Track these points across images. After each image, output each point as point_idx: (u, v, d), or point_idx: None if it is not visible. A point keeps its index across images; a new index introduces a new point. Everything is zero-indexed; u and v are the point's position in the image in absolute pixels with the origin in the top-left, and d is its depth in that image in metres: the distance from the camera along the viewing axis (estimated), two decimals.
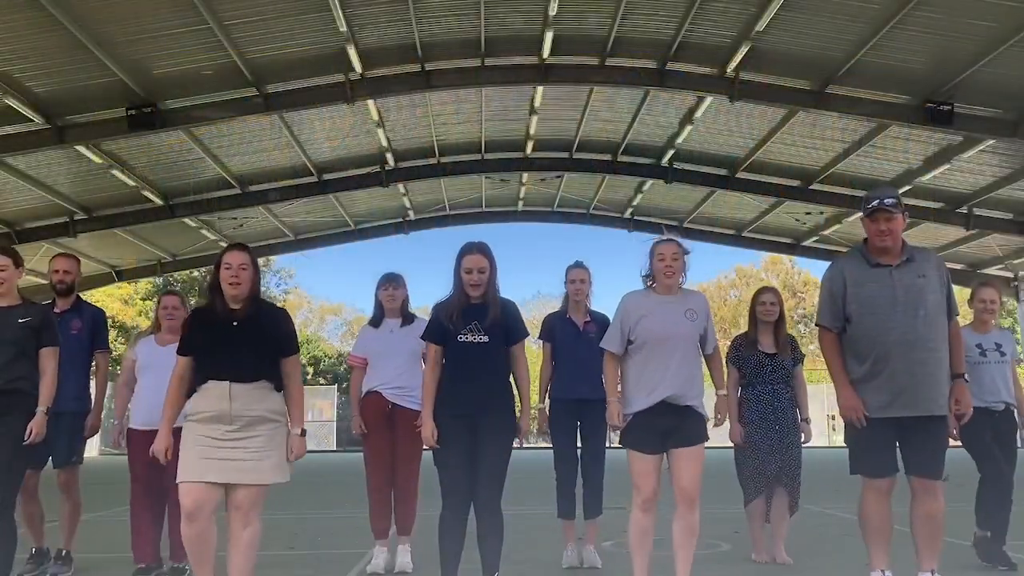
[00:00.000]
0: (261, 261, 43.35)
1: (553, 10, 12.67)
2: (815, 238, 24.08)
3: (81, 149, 15.36)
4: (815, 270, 55.41)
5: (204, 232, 22.00)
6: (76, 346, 5.16)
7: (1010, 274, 23.83)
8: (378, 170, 19.82)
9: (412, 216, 24.53)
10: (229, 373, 3.64)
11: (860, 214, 4.22)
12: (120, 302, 35.63)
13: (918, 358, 3.88)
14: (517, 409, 4.28)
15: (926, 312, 3.95)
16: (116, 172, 16.89)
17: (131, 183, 17.61)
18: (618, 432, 4.21)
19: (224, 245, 17.69)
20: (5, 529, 4.12)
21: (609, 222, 25.71)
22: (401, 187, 21.44)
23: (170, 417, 3.79)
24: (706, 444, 4.16)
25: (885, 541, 4.08)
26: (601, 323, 5.34)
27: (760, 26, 12.72)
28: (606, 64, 14.82)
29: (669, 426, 4.05)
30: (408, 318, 5.39)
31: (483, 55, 14.55)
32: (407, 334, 5.28)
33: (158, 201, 18.98)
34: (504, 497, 4.14)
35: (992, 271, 24.31)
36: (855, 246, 4.25)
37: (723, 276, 57.35)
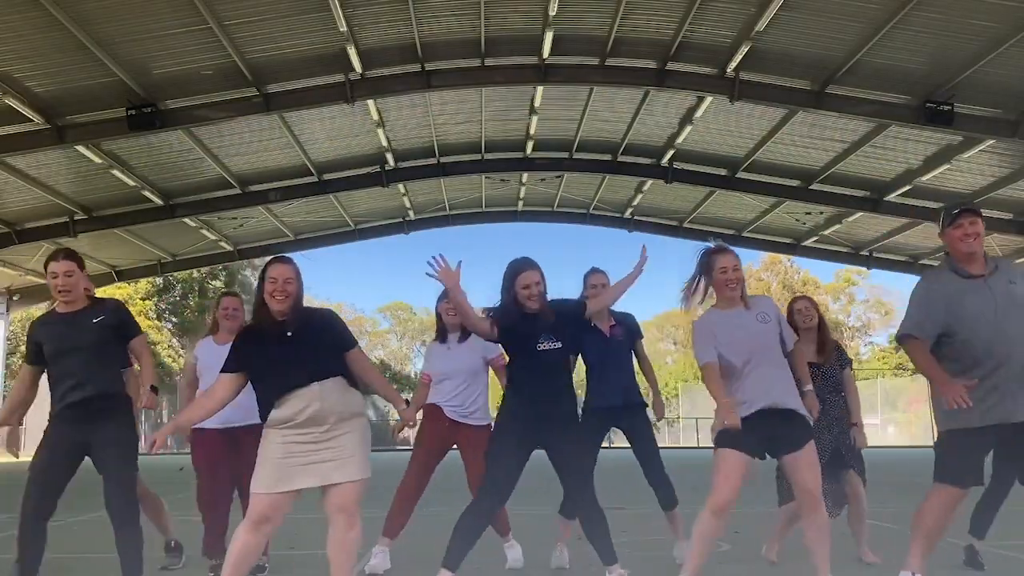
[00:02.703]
0: (260, 262, 43.39)
1: (553, 10, 12.68)
2: (815, 238, 24.09)
3: (81, 149, 15.38)
4: (815, 270, 55.52)
5: (204, 232, 22.02)
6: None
7: None
8: (378, 170, 19.83)
9: (412, 216, 24.55)
10: (309, 376, 3.61)
11: (937, 228, 4.22)
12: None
13: (1021, 363, 3.90)
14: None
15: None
16: (116, 172, 16.90)
17: (131, 183, 17.62)
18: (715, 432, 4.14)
19: (224, 246, 17.64)
20: (133, 534, 4.08)
21: (609, 222, 25.72)
22: (401, 187, 21.45)
23: (181, 422, 3.83)
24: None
25: (931, 546, 4.06)
26: (628, 325, 5.31)
27: (760, 26, 12.72)
28: (606, 64, 14.82)
29: (773, 433, 4.01)
30: (468, 331, 5.25)
31: (483, 55, 14.56)
32: (467, 351, 5.24)
33: (158, 201, 18.99)
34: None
35: None
36: (941, 263, 4.25)
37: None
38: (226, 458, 4.90)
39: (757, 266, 54.21)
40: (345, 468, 3.60)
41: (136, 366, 4.87)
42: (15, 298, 24.15)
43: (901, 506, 7.95)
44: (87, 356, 4.13)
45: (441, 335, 5.37)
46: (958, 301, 4.01)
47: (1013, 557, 5.37)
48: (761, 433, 3.99)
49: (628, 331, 5.33)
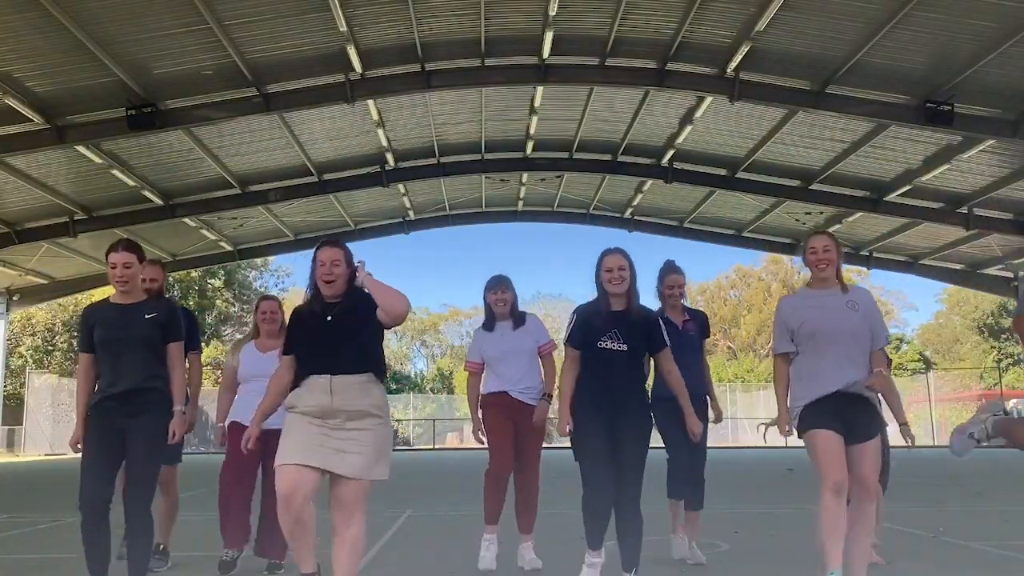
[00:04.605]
0: (260, 261, 43.03)
1: (553, 10, 12.68)
2: None
3: (81, 149, 15.38)
4: None
5: (204, 232, 22.02)
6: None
7: (1010, 274, 23.84)
8: (378, 170, 19.83)
9: (412, 216, 24.55)
10: (327, 367, 3.62)
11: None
12: None
13: None
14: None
15: None
16: (116, 172, 16.90)
17: (131, 183, 17.62)
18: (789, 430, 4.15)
19: (224, 246, 17.62)
20: (146, 524, 4.09)
21: (609, 222, 25.72)
22: (401, 187, 21.45)
23: (264, 410, 3.82)
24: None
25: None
26: (700, 321, 5.44)
27: (760, 26, 12.72)
28: (606, 64, 14.82)
29: (847, 416, 3.97)
30: (519, 319, 5.36)
31: (483, 55, 14.55)
32: (522, 335, 5.29)
33: (158, 201, 18.99)
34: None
35: (992, 271, 24.35)
36: None
37: (723, 276, 57.38)
38: (258, 457, 4.85)
39: (758, 266, 54.26)
40: (350, 463, 3.57)
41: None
42: (15, 298, 24.13)
43: (897, 506, 7.95)
44: (134, 349, 4.12)
45: (489, 324, 5.40)
46: None
47: (1013, 557, 5.37)
48: (839, 413, 3.95)
49: (700, 327, 5.46)
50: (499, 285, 5.35)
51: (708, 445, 5.50)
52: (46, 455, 26.52)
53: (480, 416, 5.32)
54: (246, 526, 5.06)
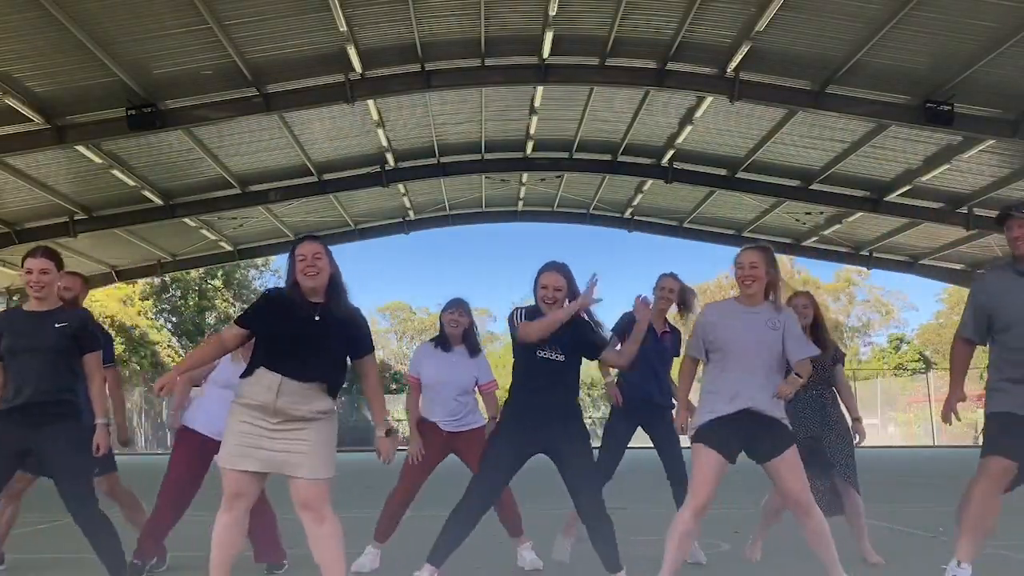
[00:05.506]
0: (260, 261, 43.01)
1: (553, 10, 12.67)
2: (815, 238, 24.09)
3: (81, 149, 15.37)
4: (815, 270, 55.44)
5: (204, 232, 22.01)
6: None
7: None
8: (378, 170, 19.82)
9: (412, 216, 24.54)
10: (286, 369, 3.52)
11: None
12: (119, 302, 35.65)
13: None
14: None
15: None
16: (116, 172, 16.89)
17: (131, 183, 17.61)
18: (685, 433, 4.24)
19: (224, 246, 17.63)
20: (100, 528, 4.03)
21: (609, 222, 25.72)
22: (401, 187, 21.44)
23: (187, 367, 3.80)
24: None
25: (982, 534, 4.08)
26: (676, 338, 5.50)
27: (760, 26, 12.72)
28: (606, 64, 14.82)
29: (750, 435, 4.00)
30: (473, 349, 5.26)
31: (483, 55, 14.55)
32: (465, 366, 5.21)
33: (158, 201, 18.98)
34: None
35: None
36: (1005, 258, 4.34)
37: (723, 276, 57.32)
38: (204, 468, 4.79)
39: None
40: (302, 465, 3.53)
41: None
42: (15, 298, 24.13)
43: (897, 506, 7.95)
44: (41, 359, 4.02)
45: (441, 342, 5.29)
46: (1007, 297, 4.09)
47: (1013, 557, 5.36)
48: (739, 434, 3.99)
49: (675, 342, 5.52)
50: (457, 306, 5.27)
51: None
52: None
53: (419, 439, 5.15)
54: (164, 538, 4.91)
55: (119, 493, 5.27)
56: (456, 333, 5.23)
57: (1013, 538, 5.41)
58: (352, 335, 3.70)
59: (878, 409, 35.29)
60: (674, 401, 5.44)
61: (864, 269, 28.40)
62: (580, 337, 4.24)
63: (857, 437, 5.40)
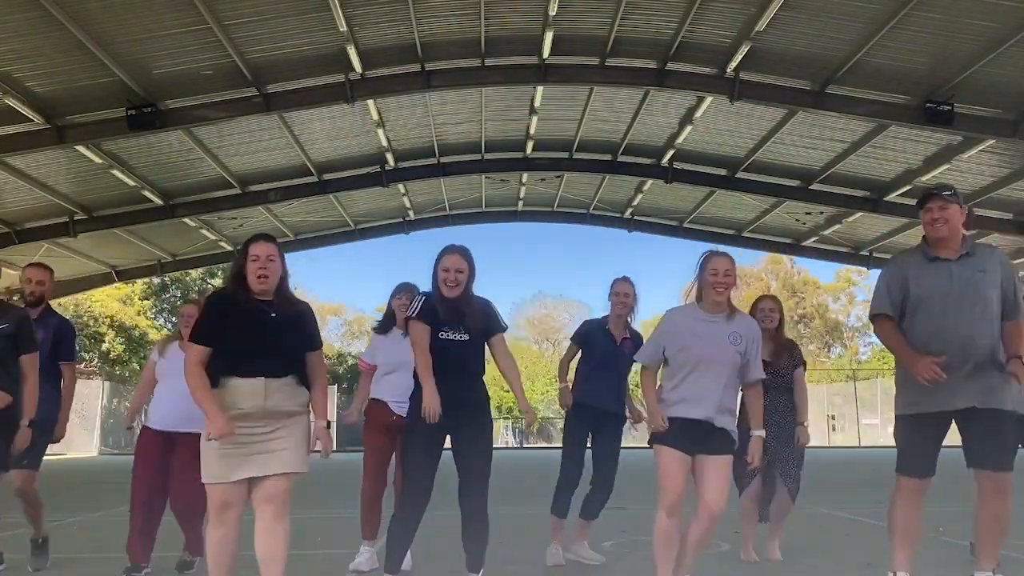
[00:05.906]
0: None
1: (553, 10, 12.67)
2: (815, 238, 24.09)
3: (81, 149, 15.36)
4: (815, 270, 55.49)
5: (204, 232, 22.00)
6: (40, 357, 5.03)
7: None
8: (378, 170, 19.81)
9: (412, 216, 24.53)
10: (263, 369, 3.49)
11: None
12: (119, 302, 35.65)
13: (973, 353, 3.83)
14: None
15: (984, 307, 3.89)
16: (116, 172, 16.89)
17: (131, 183, 17.61)
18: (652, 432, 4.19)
19: (224, 246, 17.56)
20: None
21: (609, 222, 25.71)
22: (401, 187, 21.44)
23: (213, 400, 3.53)
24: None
25: (911, 543, 4.03)
26: (637, 343, 5.38)
27: (760, 26, 12.72)
28: (606, 64, 14.81)
29: (700, 436, 4.01)
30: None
31: (483, 55, 14.55)
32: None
33: (158, 201, 18.97)
34: (494, 496, 4.15)
35: None
36: (918, 245, 4.21)
37: None
38: (164, 460, 4.83)
39: (758, 266, 54.20)
40: (279, 461, 3.51)
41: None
42: (15, 298, 24.10)
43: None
44: None
45: (383, 328, 5.42)
46: (917, 281, 4.00)
47: (1013, 557, 5.36)
48: (692, 435, 4.00)
49: (636, 348, 5.41)
50: (406, 292, 5.33)
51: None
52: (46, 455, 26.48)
53: (360, 414, 5.34)
54: (152, 541, 4.96)
55: (29, 492, 5.28)
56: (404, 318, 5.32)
57: (1014, 538, 5.40)
58: (304, 331, 3.70)
59: (878, 409, 35.27)
60: (628, 413, 5.48)
61: (864, 269, 28.37)
62: (484, 322, 4.22)
63: (799, 439, 5.47)
